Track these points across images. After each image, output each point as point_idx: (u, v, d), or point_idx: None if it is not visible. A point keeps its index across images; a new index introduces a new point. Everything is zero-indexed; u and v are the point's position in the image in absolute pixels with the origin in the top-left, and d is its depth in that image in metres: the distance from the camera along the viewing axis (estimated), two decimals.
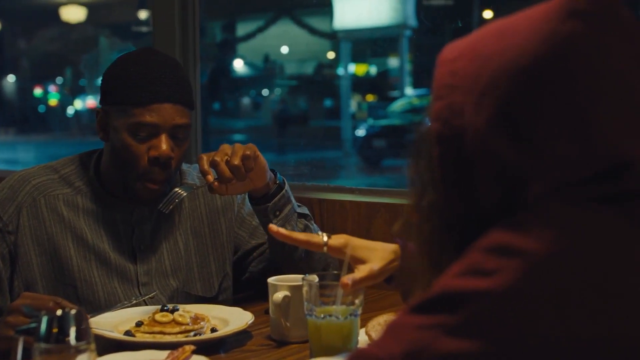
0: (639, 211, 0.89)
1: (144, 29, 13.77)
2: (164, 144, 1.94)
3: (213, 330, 1.74)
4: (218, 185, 1.90)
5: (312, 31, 16.26)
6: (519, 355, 0.83)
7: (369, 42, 18.38)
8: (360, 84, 18.60)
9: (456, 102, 0.93)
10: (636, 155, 0.90)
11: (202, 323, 1.74)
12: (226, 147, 1.92)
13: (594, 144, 0.89)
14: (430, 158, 0.97)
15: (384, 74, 19.47)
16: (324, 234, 1.55)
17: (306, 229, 2.04)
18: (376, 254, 1.49)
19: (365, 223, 2.28)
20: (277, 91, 18.75)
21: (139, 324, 1.75)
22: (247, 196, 2.10)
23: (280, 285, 1.74)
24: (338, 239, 1.53)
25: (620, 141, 0.90)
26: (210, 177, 1.90)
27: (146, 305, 1.92)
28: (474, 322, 0.84)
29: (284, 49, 17.83)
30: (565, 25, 0.90)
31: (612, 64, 0.90)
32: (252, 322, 1.76)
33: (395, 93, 18.55)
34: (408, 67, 17.65)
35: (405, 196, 2.23)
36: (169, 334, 1.68)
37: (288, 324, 1.73)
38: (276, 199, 1.99)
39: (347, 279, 1.48)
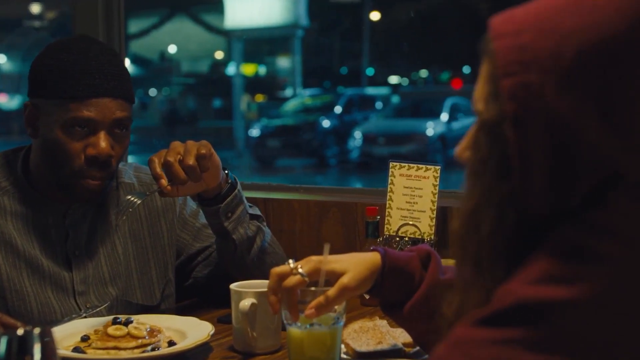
0: None
1: (37, 23, 13.21)
2: (102, 142, 1.77)
3: (171, 343, 1.58)
4: (170, 189, 1.74)
5: (209, 28, 16.00)
6: None
7: (260, 42, 18.26)
8: (249, 84, 18.48)
9: (532, 81, 0.83)
10: None
11: (159, 336, 1.58)
12: (178, 146, 1.76)
13: None
14: (503, 143, 0.86)
15: (273, 74, 19.40)
16: (296, 266, 1.39)
17: (258, 232, 1.90)
18: (352, 267, 1.37)
19: (316, 223, 2.16)
20: (165, 91, 18.39)
21: (85, 339, 1.57)
22: (188, 196, 1.94)
23: (246, 292, 1.59)
24: (309, 263, 1.39)
25: None
26: (164, 181, 1.72)
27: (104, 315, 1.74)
28: (559, 336, 0.76)
29: (177, 47, 17.51)
30: None
31: None
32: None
33: (284, 93, 18.52)
34: (300, 66, 17.65)
35: (359, 194, 2.12)
36: (125, 349, 1.52)
37: (255, 334, 1.59)
38: (228, 199, 1.84)
39: (310, 307, 1.34)
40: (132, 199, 1.73)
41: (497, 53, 0.86)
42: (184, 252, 2.01)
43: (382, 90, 17.43)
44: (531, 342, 0.77)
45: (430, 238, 1.92)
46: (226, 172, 1.85)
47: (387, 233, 1.97)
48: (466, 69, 19.37)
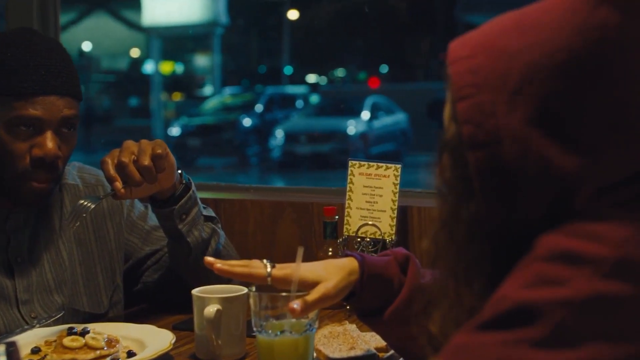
0: None
1: None
2: (49, 142, 1.66)
3: (130, 353, 1.49)
4: (124, 191, 1.64)
5: (129, 25, 15.68)
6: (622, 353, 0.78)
7: (179, 39, 18.03)
8: (167, 82, 18.24)
9: (484, 101, 0.86)
10: None
11: (117, 346, 1.48)
12: (131, 145, 1.66)
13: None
14: (464, 165, 0.89)
15: (191, 72, 19.20)
16: (268, 263, 1.33)
17: (213, 234, 1.82)
18: (329, 273, 1.30)
19: (270, 224, 2.09)
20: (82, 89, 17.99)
21: (35, 351, 1.47)
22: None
23: (210, 298, 1.52)
24: (283, 269, 1.32)
25: None
26: (119, 184, 1.62)
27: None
28: (562, 333, 0.78)
29: (94, 44, 17.11)
30: (595, 14, 0.85)
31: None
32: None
33: (203, 91, 18.34)
34: (219, 65, 17.49)
35: (315, 193, 2.06)
36: None
37: (220, 342, 1.51)
38: (183, 200, 1.76)
39: (295, 303, 1.27)
40: (85, 203, 1.63)
41: (452, 77, 0.90)
42: (132, 256, 1.92)
43: (302, 89, 17.43)
44: (536, 340, 0.78)
45: (391, 238, 1.87)
46: (180, 172, 1.77)
47: (346, 234, 1.92)
48: (383, 68, 19.54)
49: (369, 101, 14.24)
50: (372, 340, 1.51)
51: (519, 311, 0.80)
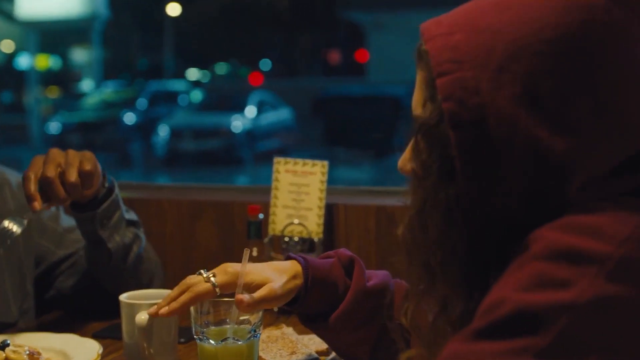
0: None
1: None
2: None
3: None
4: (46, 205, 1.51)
5: (5, 16, 15.02)
6: None
7: (56, 33, 17.42)
8: (43, 77, 17.62)
9: (466, 77, 0.83)
10: None
11: (40, 359, 1.38)
12: (57, 156, 1.51)
13: (630, 123, 0.83)
14: (443, 146, 0.85)
15: (68, 67, 18.61)
16: (208, 275, 1.24)
17: (135, 240, 1.72)
18: (274, 275, 1.24)
19: (188, 224, 2.00)
20: None
21: None
22: None
23: (141, 305, 1.42)
24: (226, 274, 1.24)
25: None
26: (37, 204, 1.47)
27: None
28: (566, 341, 0.74)
29: None
30: None
31: (631, 36, 0.84)
32: None
33: (81, 87, 17.81)
34: (99, 59, 17.01)
35: (236, 192, 1.99)
36: None
37: (152, 350, 1.42)
38: (105, 205, 1.64)
39: (243, 295, 1.21)
40: (11, 227, 1.49)
41: (430, 54, 0.86)
42: (44, 261, 1.80)
43: (185, 85, 17.17)
44: (539, 350, 0.74)
45: (318, 237, 1.83)
46: (103, 174, 1.65)
47: (272, 233, 1.86)
48: (266, 64, 19.50)
49: (254, 97, 14.15)
50: (312, 343, 1.46)
51: (519, 317, 0.76)
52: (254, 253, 1.78)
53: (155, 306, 1.26)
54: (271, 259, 1.81)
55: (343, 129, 13.41)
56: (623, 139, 0.83)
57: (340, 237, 1.89)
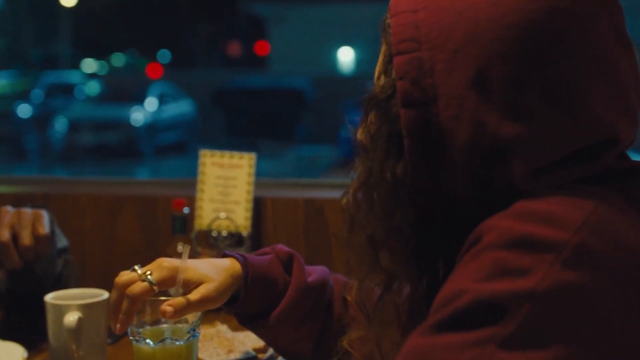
0: (632, 190, 0.84)
1: None
2: None
3: None
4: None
5: None
6: (588, 351, 0.75)
7: None
8: None
9: (423, 58, 0.83)
10: (620, 131, 0.85)
11: None
12: (9, 216, 1.43)
13: (585, 114, 0.82)
14: (393, 122, 0.86)
15: None
16: (145, 272, 1.18)
17: (65, 266, 1.62)
18: (213, 274, 1.18)
19: (108, 220, 1.93)
20: None
21: None
22: None
23: (69, 305, 1.36)
24: (162, 271, 1.17)
25: (606, 114, 0.84)
26: None
27: None
28: (528, 329, 0.74)
29: None
30: None
31: (596, 29, 0.83)
32: None
33: None
34: None
35: (159, 186, 1.93)
36: None
37: (81, 353, 1.36)
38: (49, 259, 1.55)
39: (169, 304, 1.15)
40: None
41: (393, 30, 0.86)
42: None
43: (82, 77, 16.73)
44: (503, 338, 0.73)
45: (246, 231, 1.78)
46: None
47: (198, 228, 1.80)
48: (165, 55, 19.23)
49: (155, 89, 13.91)
50: (248, 341, 1.43)
51: (480, 307, 0.75)
52: (179, 248, 1.73)
53: (112, 323, 1.18)
54: (198, 254, 1.76)
55: (245, 121, 13.35)
56: (578, 129, 0.83)
57: (268, 231, 1.86)
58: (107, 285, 1.57)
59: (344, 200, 0.94)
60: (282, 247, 1.26)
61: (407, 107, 0.83)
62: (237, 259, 1.21)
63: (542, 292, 0.74)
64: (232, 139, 12.73)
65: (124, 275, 1.17)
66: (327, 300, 1.26)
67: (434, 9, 0.85)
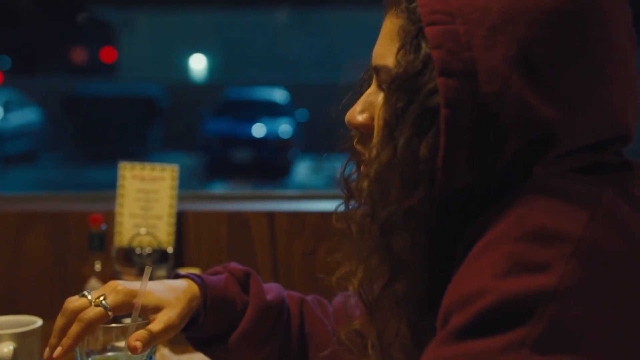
0: (626, 183, 0.84)
1: None
2: None
3: None
4: None
5: None
6: (614, 345, 0.73)
7: None
8: None
9: (459, 31, 0.81)
10: (631, 129, 0.87)
11: None
12: None
13: (610, 107, 0.83)
14: (423, 99, 0.82)
15: None
16: (98, 297, 1.08)
17: None
18: (169, 298, 1.11)
19: (14, 238, 1.79)
20: None
21: None
22: None
23: (1, 335, 1.24)
24: (117, 295, 1.09)
25: (623, 110, 0.85)
26: None
27: None
28: (557, 328, 0.71)
29: None
30: None
31: (616, 24, 0.84)
32: None
33: None
34: None
35: (72, 201, 1.82)
36: None
37: None
38: None
39: (136, 339, 1.07)
40: None
41: (420, 2, 0.83)
42: None
43: None
44: (533, 341, 0.70)
45: (170, 247, 1.70)
46: None
47: (118, 245, 1.70)
48: (5, 62, 18.43)
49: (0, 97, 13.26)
50: None
51: (506, 308, 0.71)
52: (97, 267, 1.63)
53: (47, 349, 1.08)
54: (117, 273, 1.66)
55: (96, 130, 12.96)
56: (605, 122, 0.83)
57: (189, 246, 1.78)
58: (12, 310, 1.46)
59: (363, 184, 0.88)
60: (235, 265, 1.20)
61: (446, 76, 0.80)
62: (193, 280, 1.14)
63: (565, 289, 0.71)
64: (82, 148, 12.31)
65: (74, 301, 1.07)
66: (286, 318, 1.21)
67: None
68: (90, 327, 1.05)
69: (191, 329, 1.13)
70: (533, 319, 0.70)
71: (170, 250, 1.70)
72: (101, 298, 1.07)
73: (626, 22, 0.86)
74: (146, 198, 1.70)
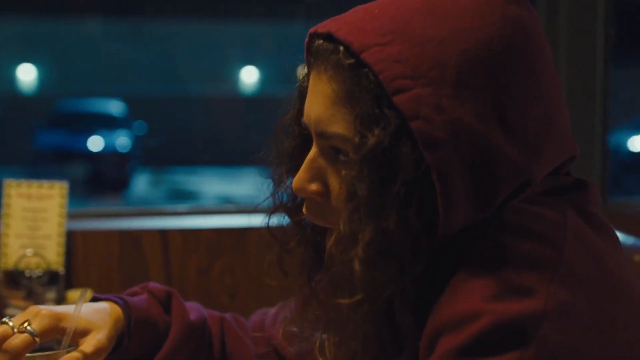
0: (579, 202, 0.87)
1: None
2: None
3: None
4: None
5: None
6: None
7: None
8: None
9: (425, 94, 0.77)
10: (575, 143, 0.89)
11: None
12: None
13: (564, 130, 0.86)
14: (409, 172, 0.77)
15: None
16: (21, 323, 1.01)
17: None
18: (96, 320, 1.06)
19: None
20: None
21: None
22: None
23: None
24: (42, 319, 1.02)
25: (569, 129, 0.87)
26: None
27: None
28: (548, 349, 0.73)
29: None
30: (509, 7, 0.82)
31: (546, 45, 0.86)
32: None
33: None
34: None
35: None
36: None
37: None
38: None
39: None
40: None
41: (377, 69, 0.77)
42: None
43: None
44: None
45: (60, 268, 1.62)
46: None
47: (4, 267, 1.60)
48: None
49: None
50: None
51: (500, 328, 0.73)
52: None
53: None
54: (4, 297, 1.57)
55: None
56: (563, 146, 0.85)
57: (78, 266, 1.70)
58: None
59: (355, 266, 0.80)
60: (155, 285, 1.17)
61: (432, 149, 0.77)
62: (115, 302, 1.10)
63: (551, 311, 0.74)
64: None
65: None
66: (208, 337, 1.19)
67: (405, 40, 0.78)
68: (17, 356, 0.98)
69: (115, 351, 1.09)
70: (527, 340, 0.73)
71: (61, 271, 1.62)
72: (25, 324, 1.00)
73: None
74: (33, 217, 1.61)
